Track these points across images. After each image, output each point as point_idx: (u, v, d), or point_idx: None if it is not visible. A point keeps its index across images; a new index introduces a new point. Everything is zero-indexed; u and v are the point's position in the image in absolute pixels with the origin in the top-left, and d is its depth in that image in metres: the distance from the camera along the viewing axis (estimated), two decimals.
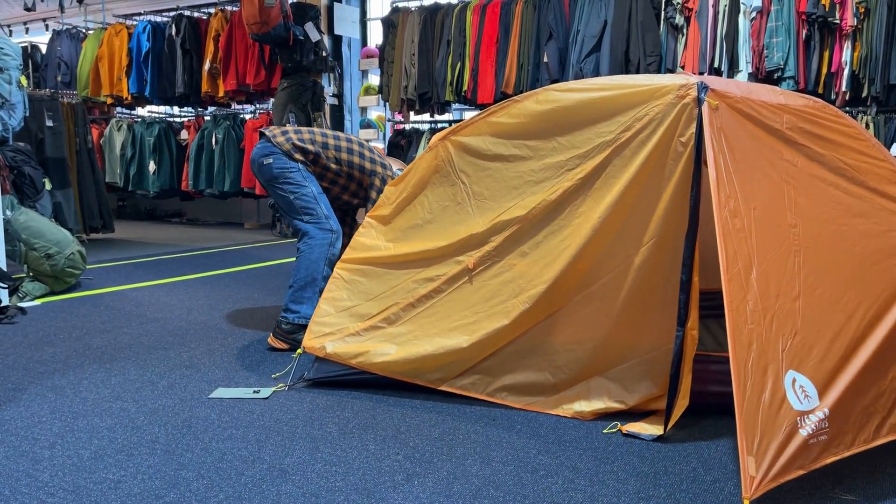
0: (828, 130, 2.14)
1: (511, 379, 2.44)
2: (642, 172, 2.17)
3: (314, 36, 6.89)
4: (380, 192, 3.13)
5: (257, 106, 8.13)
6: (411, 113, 7.09)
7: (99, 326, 3.60)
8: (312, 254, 3.08)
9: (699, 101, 2.06)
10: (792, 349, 1.79)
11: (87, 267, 4.83)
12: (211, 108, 8.39)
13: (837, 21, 4.92)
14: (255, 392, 2.55)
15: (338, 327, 2.66)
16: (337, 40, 7.73)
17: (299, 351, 2.66)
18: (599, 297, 2.34)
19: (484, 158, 2.50)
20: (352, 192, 3.32)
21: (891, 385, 1.91)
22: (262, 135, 3.19)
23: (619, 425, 2.21)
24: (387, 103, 7.07)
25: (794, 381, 1.75)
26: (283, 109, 6.96)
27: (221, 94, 7.64)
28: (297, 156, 3.14)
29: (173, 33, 7.89)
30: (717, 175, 1.95)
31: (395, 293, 2.59)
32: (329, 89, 7.53)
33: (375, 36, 8.04)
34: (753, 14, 5.35)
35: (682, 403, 2.13)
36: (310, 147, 3.15)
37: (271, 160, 3.13)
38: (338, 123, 7.72)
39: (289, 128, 3.21)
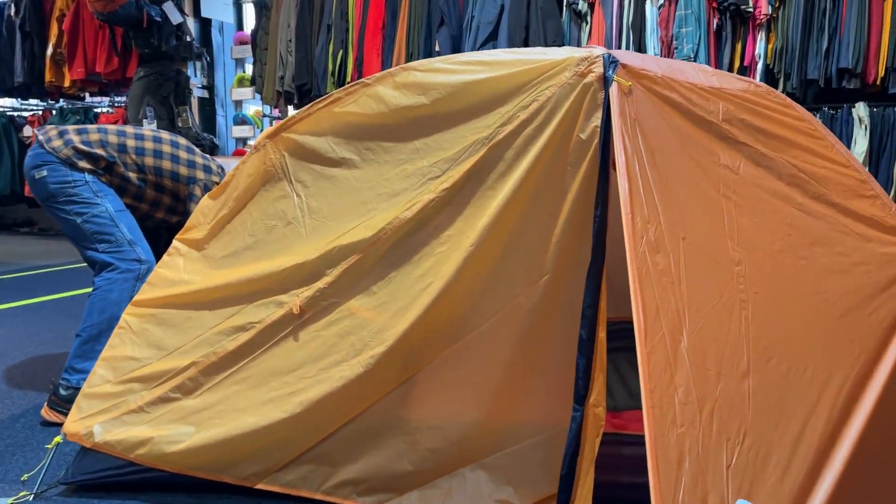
0: (775, 124, 1.55)
1: (356, 470, 1.74)
2: (529, 182, 1.52)
3: (175, 17, 5.97)
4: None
5: (114, 98, 7.10)
6: (289, 107, 6.27)
7: None
8: (111, 293, 2.27)
9: (605, 81, 1.43)
10: (741, 463, 1.18)
11: None
12: (63, 102, 7.29)
13: (751, 9, 4.49)
14: None
15: (115, 401, 1.88)
16: (206, 24, 6.83)
17: (57, 439, 1.86)
18: (474, 356, 1.67)
19: (325, 163, 1.79)
20: (167, 208, 2.52)
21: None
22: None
23: None
24: (260, 96, 6.23)
25: None
26: (139, 103, 5.99)
27: (68, 83, 6.60)
28: (83, 163, 2.32)
29: (12, 13, 6.79)
30: (631, 189, 1.32)
31: (196, 348, 1.84)
32: (196, 80, 6.61)
33: (252, 20, 7.19)
34: (661, 1, 4.88)
35: None
36: (99, 151, 2.34)
37: (45, 172, 2.30)
38: (208, 119, 6.82)
39: (70, 127, 2.38)
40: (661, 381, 1.19)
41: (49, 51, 6.59)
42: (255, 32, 6.32)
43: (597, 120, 1.44)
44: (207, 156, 2.57)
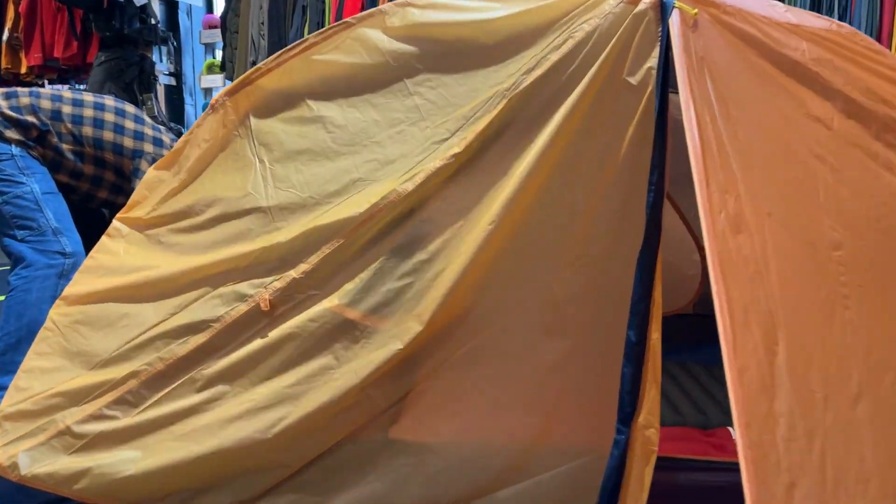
0: (867, 72, 1.23)
1: (350, 500, 1.38)
2: (563, 142, 1.19)
3: None
4: None
5: (74, 85, 6.68)
6: None
7: None
8: (29, 294, 1.90)
9: (663, 9, 1.10)
10: None
11: None
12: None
13: None
14: None
15: (40, 422, 1.52)
16: (173, 6, 6.45)
17: None
18: (493, 359, 1.33)
19: (299, 123, 1.46)
20: (110, 187, 2.15)
21: None
22: None
23: None
24: (231, 82, 5.87)
25: None
26: (100, 90, 5.58)
27: (25, 70, 6.19)
28: (10, 133, 1.95)
29: None
30: (704, 149, 0.99)
31: (137, 354, 1.48)
32: (162, 66, 6.22)
33: (222, 2, 6.83)
34: None
35: None
36: (30, 119, 1.97)
37: None
38: (176, 108, 6.42)
39: None
40: (759, 409, 0.87)
41: (4, 36, 6.20)
42: (225, 15, 5.94)
43: (652, 59, 1.11)
44: (161, 127, 2.21)
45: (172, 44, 6.22)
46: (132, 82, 5.71)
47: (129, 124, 2.11)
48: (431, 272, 1.22)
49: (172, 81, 6.36)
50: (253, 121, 1.50)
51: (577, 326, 1.28)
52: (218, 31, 6.21)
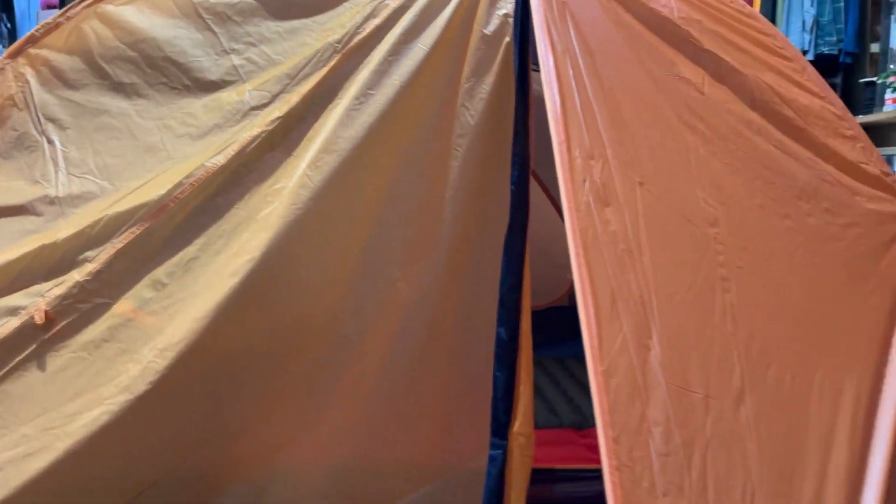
0: (739, 36, 1.13)
1: None
2: (408, 104, 0.99)
3: None
4: None
5: None
6: None
7: None
8: None
9: None
10: None
11: None
12: None
13: None
14: None
15: None
16: None
17: None
18: (334, 371, 1.12)
19: (94, 92, 1.18)
20: None
21: None
22: None
23: None
24: None
25: None
26: None
27: None
28: None
29: None
30: (565, 106, 0.83)
31: None
32: None
33: None
34: None
35: None
36: None
37: None
38: None
39: None
40: (629, 420, 0.71)
41: None
42: None
43: (508, 4, 0.93)
44: None
45: (6, 26, 5.56)
46: None
47: None
48: (238, 264, 0.99)
49: None
50: (36, 90, 1.21)
51: (431, 327, 1.10)
52: (56, 13, 5.62)
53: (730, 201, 0.96)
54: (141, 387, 0.98)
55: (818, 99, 1.17)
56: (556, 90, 0.83)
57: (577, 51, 0.89)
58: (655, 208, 0.86)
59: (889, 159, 3.03)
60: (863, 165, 1.16)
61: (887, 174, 1.20)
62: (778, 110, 1.07)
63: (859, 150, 1.19)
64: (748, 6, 1.21)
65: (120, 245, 1.06)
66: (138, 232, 1.06)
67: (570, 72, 0.86)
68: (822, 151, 1.12)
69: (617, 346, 0.75)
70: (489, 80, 0.96)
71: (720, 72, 1.03)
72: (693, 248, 0.88)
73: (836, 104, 1.20)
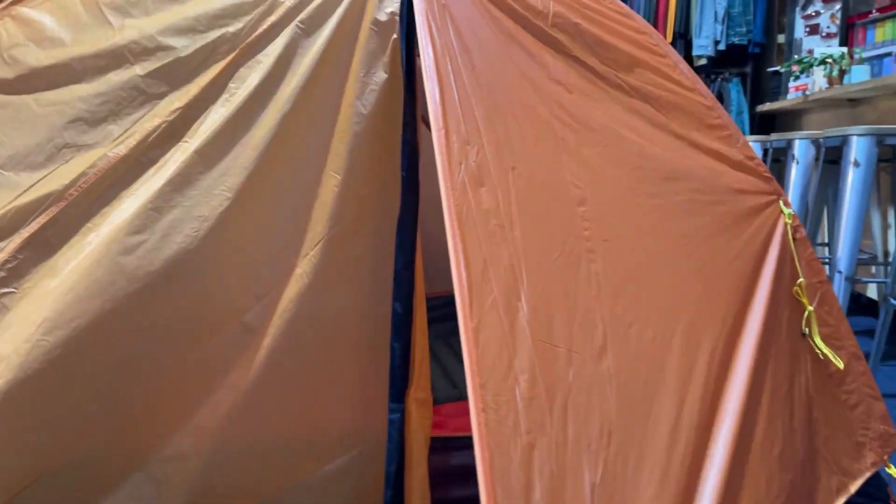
0: (614, 36, 1.24)
1: None
2: (306, 97, 1.06)
3: None
4: None
5: None
6: None
7: None
8: None
9: None
10: (608, 477, 0.84)
11: None
12: None
13: None
14: None
15: None
16: None
17: None
18: (230, 355, 1.17)
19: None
20: None
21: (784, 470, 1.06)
22: None
23: None
24: None
25: None
26: None
27: None
28: None
29: None
30: (444, 95, 0.93)
31: None
32: None
33: None
34: None
35: None
36: None
37: None
38: None
39: None
40: (496, 369, 0.81)
41: None
42: None
43: (394, 4, 1.02)
44: None
45: None
46: None
47: None
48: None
49: None
50: None
51: (331, 309, 1.16)
52: None
53: (598, 184, 1.07)
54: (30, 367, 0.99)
55: (688, 91, 1.30)
56: (435, 83, 0.92)
57: (456, 48, 0.98)
58: (526, 190, 0.96)
59: (791, 144, 3.26)
60: (725, 152, 1.29)
61: (751, 158, 1.34)
62: (647, 103, 1.19)
63: (725, 137, 1.32)
64: (624, 6, 1.32)
65: (27, 235, 1.09)
66: (44, 221, 1.09)
67: (449, 66, 0.95)
68: (690, 140, 1.24)
69: (487, 305, 0.84)
70: (378, 71, 1.05)
71: (589, 74, 1.14)
72: (561, 224, 0.98)
73: (706, 96, 1.33)
